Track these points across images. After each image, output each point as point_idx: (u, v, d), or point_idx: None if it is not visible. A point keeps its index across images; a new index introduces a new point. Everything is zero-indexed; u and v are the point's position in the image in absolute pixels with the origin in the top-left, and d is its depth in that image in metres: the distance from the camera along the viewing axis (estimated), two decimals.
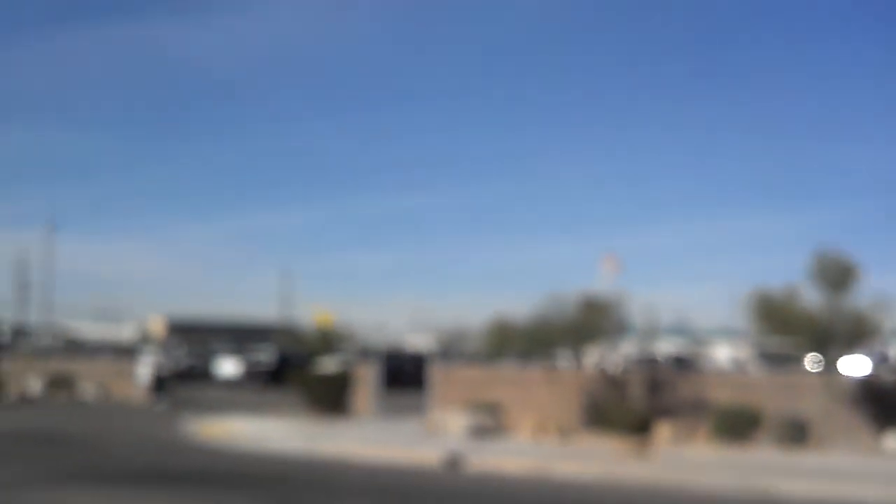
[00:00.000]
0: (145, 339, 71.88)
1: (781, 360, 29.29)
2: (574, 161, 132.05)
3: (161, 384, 32.79)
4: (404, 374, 39.67)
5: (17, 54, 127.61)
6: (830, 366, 20.43)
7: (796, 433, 19.89)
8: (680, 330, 47.41)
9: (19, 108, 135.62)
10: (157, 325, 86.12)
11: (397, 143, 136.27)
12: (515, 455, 17.46)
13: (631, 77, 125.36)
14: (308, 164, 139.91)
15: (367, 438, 19.89)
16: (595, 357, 31.44)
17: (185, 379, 44.79)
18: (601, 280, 24.76)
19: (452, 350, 47.18)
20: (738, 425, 20.31)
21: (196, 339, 68.21)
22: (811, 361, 21.95)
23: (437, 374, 25.71)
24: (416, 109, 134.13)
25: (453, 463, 16.74)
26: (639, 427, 20.80)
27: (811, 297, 19.66)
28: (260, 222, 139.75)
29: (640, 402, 22.63)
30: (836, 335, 19.51)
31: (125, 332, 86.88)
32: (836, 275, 19.03)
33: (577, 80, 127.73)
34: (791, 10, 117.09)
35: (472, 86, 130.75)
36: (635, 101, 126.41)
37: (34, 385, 34.98)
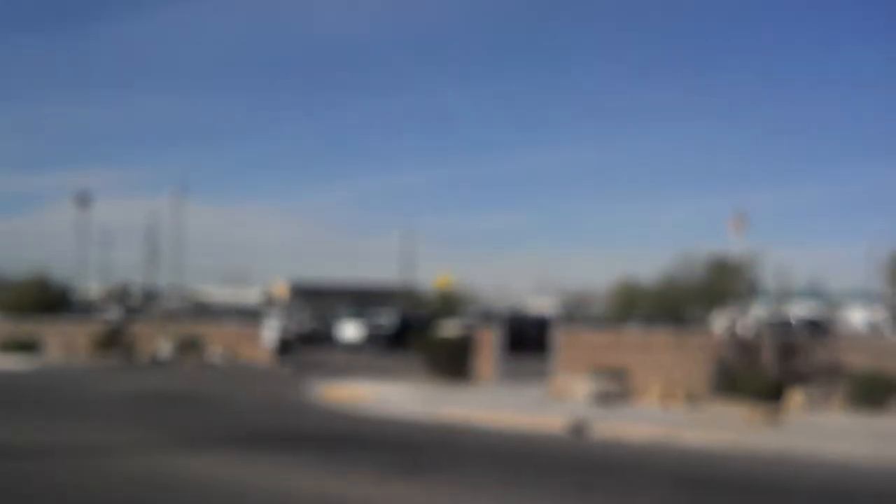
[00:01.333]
0: (270, 303, 74.30)
1: None
2: (703, 116, 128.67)
3: (286, 347, 34.02)
4: (527, 339, 39.96)
5: (147, 20, 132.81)
6: None
7: None
8: (814, 292, 45.84)
9: (149, 75, 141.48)
10: (281, 289, 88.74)
11: (521, 102, 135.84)
12: (641, 421, 17.55)
13: (759, 28, 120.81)
14: (429, 125, 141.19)
15: (489, 403, 20.29)
16: (725, 320, 30.98)
17: (308, 342, 46.26)
18: (730, 241, 24.29)
19: (577, 313, 47.13)
20: (874, 391, 19.81)
21: (318, 302, 70.19)
22: None
23: (560, 339, 25.87)
24: (539, 69, 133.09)
25: (578, 429, 16.97)
26: (770, 393, 20.53)
27: None
28: (381, 184, 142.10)
29: (772, 367, 22.28)
30: None
31: (251, 296, 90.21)
32: None
33: (701, 32, 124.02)
34: None
35: (597, 45, 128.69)
36: (763, 54, 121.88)
37: (164, 348, 36.75)
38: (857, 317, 43.12)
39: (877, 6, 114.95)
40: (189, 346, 36.67)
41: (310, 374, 28.51)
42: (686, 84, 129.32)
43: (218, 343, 37.04)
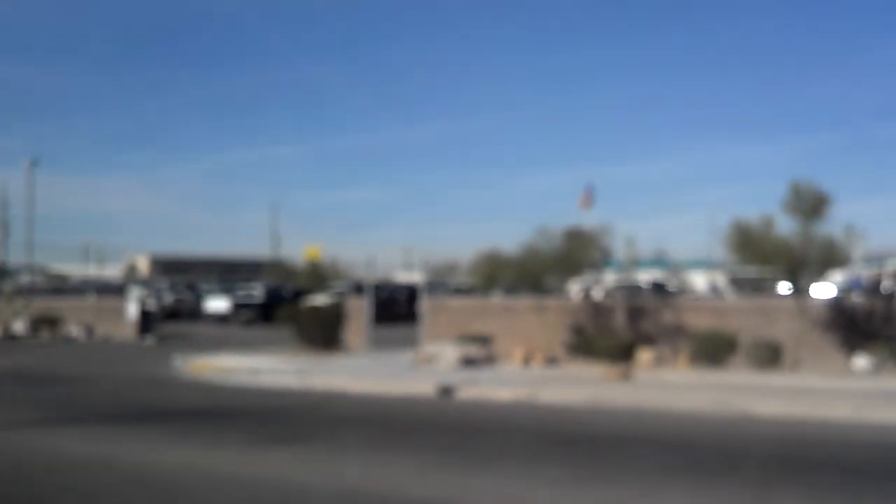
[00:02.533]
0: (132, 277, 72.07)
1: (757, 287, 30.24)
2: (557, 93, 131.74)
3: (149, 321, 33.24)
4: (396, 308, 40.58)
5: None
6: (803, 291, 21.30)
7: (770, 356, 20.85)
8: (660, 260, 48.24)
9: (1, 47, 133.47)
10: (143, 263, 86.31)
11: (385, 78, 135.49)
12: (505, 384, 18.29)
13: (613, 11, 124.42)
14: (296, 99, 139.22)
15: (360, 372, 20.64)
16: (580, 287, 32.33)
17: (173, 316, 45.42)
18: (583, 213, 25.38)
19: (444, 283, 47.91)
20: (715, 350, 21.25)
21: (185, 276, 68.65)
22: (784, 287, 22.81)
23: (428, 307, 26.45)
24: (405, 46, 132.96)
25: (446, 393, 17.55)
26: (622, 353, 21.73)
27: (786, 226, 20.43)
28: (248, 158, 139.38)
29: (623, 329, 23.55)
30: (809, 262, 20.31)
31: (111, 271, 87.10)
32: (810, 204, 19.77)
33: (560, 11, 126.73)
34: None
35: (456, 22, 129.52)
36: (614, 37, 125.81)
37: (18, 324, 35.34)
38: (699, 281, 45.74)
39: None
40: (46, 322, 35.36)
41: (175, 347, 28.06)
42: (542, 61, 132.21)
43: (78, 319, 35.84)
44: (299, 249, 49.76)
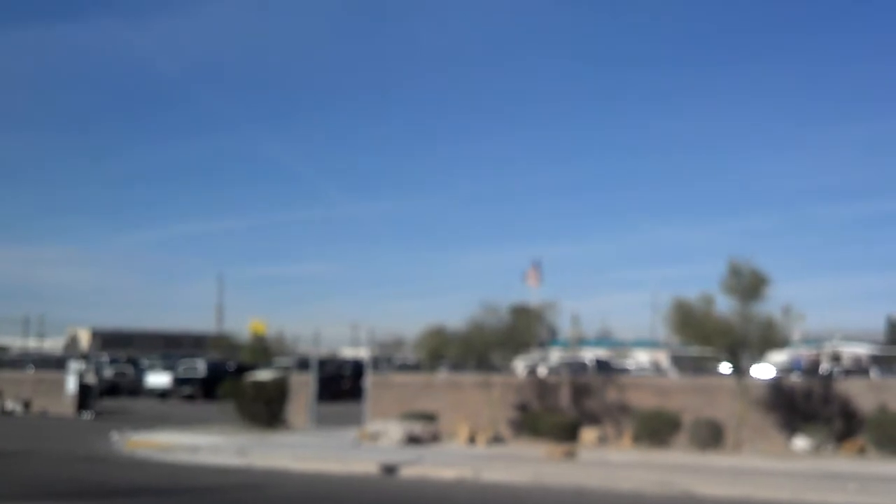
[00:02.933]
0: (72, 351, 70.31)
1: (698, 366, 30.50)
2: (503, 173, 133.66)
3: (87, 396, 32.32)
4: (342, 384, 40.02)
5: None
6: (744, 371, 21.51)
7: (712, 436, 20.91)
8: (604, 339, 48.67)
9: None
10: (84, 336, 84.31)
11: (333, 153, 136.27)
12: (449, 462, 18.02)
13: (558, 86, 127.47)
14: (243, 171, 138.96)
15: (303, 450, 20.19)
16: (527, 364, 32.31)
17: (114, 391, 44.25)
18: (530, 290, 25.51)
19: (390, 359, 47.51)
20: (658, 429, 21.26)
21: (127, 349, 67.16)
22: (725, 367, 23.04)
23: (373, 383, 26.14)
24: (354, 122, 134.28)
25: (389, 472, 17.23)
26: (567, 432, 21.63)
27: (725, 306, 20.71)
28: (194, 230, 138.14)
29: (569, 407, 23.48)
30: (749, 342, 20.56)
31: (52, 344, 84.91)
32: (748, 284, 20.11)
33: (505, 93, 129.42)
34: (698, 41, 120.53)
35: (405, 104, 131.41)
36: (559, 120, 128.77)
37: None
38: (643, 360, 46.12)
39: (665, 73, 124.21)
40: None
41: (115, 423, 27.27)
42: (488, 144, 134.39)
43: (15, 392, 34.73)
44: (244, 323, 49.19)
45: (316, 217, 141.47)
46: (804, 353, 46.39)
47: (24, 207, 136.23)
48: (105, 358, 54.88)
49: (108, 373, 46.47)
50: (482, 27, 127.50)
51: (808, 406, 21.74)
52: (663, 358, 42.03)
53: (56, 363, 46.42)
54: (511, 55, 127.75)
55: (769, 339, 20.57)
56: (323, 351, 34.79)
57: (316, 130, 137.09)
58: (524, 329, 22.37)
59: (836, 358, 57.33)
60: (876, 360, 54.10)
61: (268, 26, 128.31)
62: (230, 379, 30.37)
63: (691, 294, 20.89)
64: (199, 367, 43.72)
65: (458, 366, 24.80)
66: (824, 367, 37.62)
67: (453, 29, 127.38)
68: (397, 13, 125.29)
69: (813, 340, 63.10)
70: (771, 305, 20.31)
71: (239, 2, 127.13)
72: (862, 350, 64.17)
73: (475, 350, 22.53)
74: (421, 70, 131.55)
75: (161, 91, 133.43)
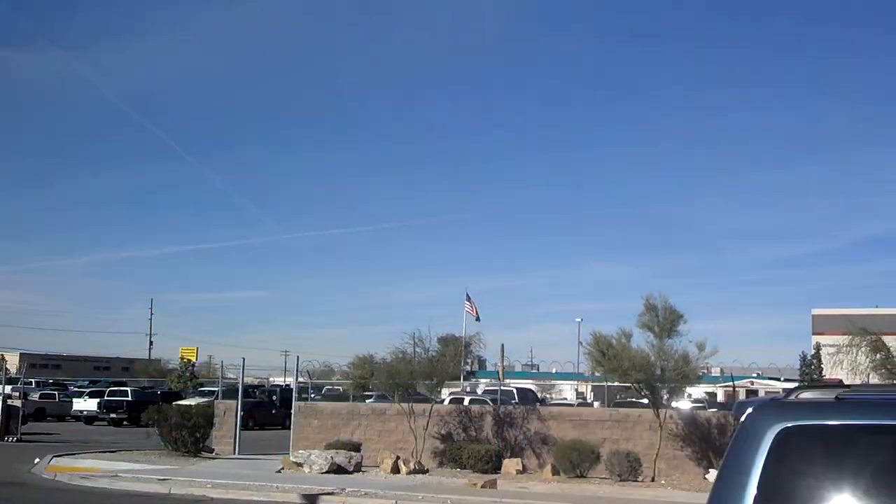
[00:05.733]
0: None
1: (620, 399, 30.71)
2: (439, 208, 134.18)
3: (12, 419, 31.20)
4: (269, 411, 39.32)
5: None
6: (661, 404, 21.66)
7: (631, 467, 20.94)
8: (531, 370, 48.75)
9: None
10: (12, 360, 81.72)
11: (267, 180, 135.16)
12: (371, 493, 17.68)
13: (487, 119, 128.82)
14: (176, 197, 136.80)
15: (225, 477, 19.62)
16: (453, 394, 32.13)
17: (41, 416, 42.84)
18: (461, 322, 25.43)
19: (319, 388, 46.91)
20: (578, 460, 21.22)
21: (54, 373, 65.18)
22: (644, 400, 23.20)
23: (300, 410, 25.68)
24: (285, 148, 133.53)
25: (310, 502, 16.86)
26: (490, 462, 21.47)
27: (643, 341, 20.90)
28: (126, 255, 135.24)
29: (492, 437, 23.35)
30: (666, 376, 20.75)
31: None
32: (664, 320, 20.34)
33: (437, 124, 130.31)
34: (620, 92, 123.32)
35: (340, 127, 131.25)
36: (490, 149, 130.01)
37: None
38: (567, 392, 46.30)
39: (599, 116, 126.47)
40: None
41: (39, 447, 26.30)
42: (421, 172, 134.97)
43: None
44: (175, 350, 48.13)
45: (249, 245, 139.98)
46: (720, 388, 47.13)
47: None
48: (32, 381, 53.17)
49: (35, 396, 45.00)
50: (403, 62, 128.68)
51: (724, 439, 21.94)
52: (587, 390, 42.27)
53: None
54: (447, 83, 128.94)
55: (685, 373, 20.78)
56: (252, 379, 34.15)
57: (249, 159, 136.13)
58: (451, 360, 22.26)
59: (752, 393, 58.43)
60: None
61: (207, 57, 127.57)
62: (158, 405, 29.57)
63: (612, 329, 21.05)
64: (127, 392, 42.65)
65: (385, 395, 24.53)
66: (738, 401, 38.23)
67: (382, 63, 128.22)
68: (326, 48, 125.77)
69: (730, 376, 64.22)
70: (686, 341, 20.57)
71: (180, 34, 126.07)
72: (778, 385, 65.54)
73: (402, 380, 22.33)
74: (354, 100, 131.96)
75: (98, 117, 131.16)
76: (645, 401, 23.67)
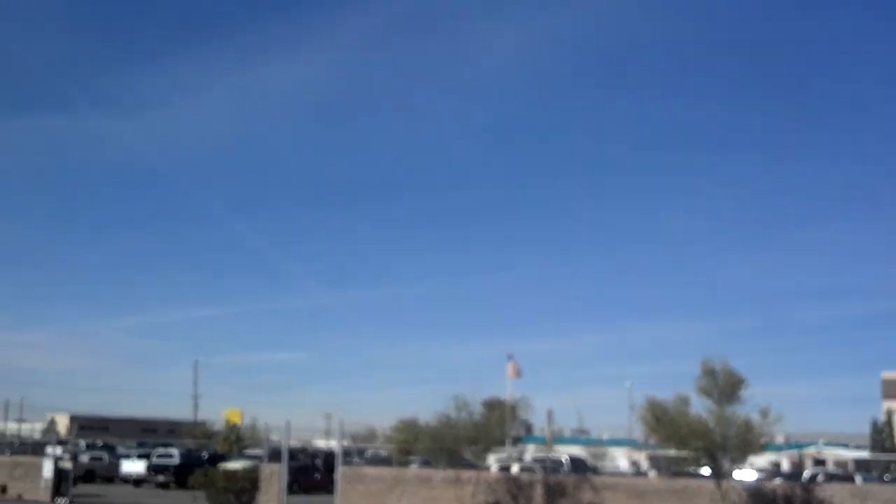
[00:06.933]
0: (50, 436, 68.87)
1: (676, 468, 29.74)
2: (482, 267, 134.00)
3: (63, 482, 31.41)
4: (314, 475, 38.88)
5: None
6: (723, 474, 20.79)
7: None
8: (580, 436, 47.63)
9: None
10: (62, 421, 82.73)
11: (308, 243, 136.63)
12: None
13: (532, 184, 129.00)
14: (220, 260, 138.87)
15: None
16: (500, 460, 31.44)
17: (90, 477, 43.05)
18: (505, 384, 24.94)
19: (363, 451, 46.46)
20: None
21: (103, 435, 65.78)
22: (705, 469, 22.36)
23: (344, 475, 25.31)
24: (327, 209, 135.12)
25: None
26: None
27: (701, 406, 20.15)
28: (171, 317, 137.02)
29: None
30: (728, 444, 19.93)
31: (30, 428, 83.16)
32: (724, 385, 19.60)
33: (490, 192, 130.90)
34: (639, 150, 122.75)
35: (382, 190, 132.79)
36: (538, 212, 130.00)
37: None
38: (620, 459, 44.98)
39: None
40: None
41: None
42: (458, 234, 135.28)
43: None
44: (219, 411, 48.29)
45: (291, 306, 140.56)
46: (785, 456, 45.52)
47: (5, 293, 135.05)
48: (82, 444, 53.67)
49: (85, 458, 45.35)
50: (440, 121, 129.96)
51: None
52: (641, 458, 41.08)
53: (34, 448, 45.31)
54: (484, 141, 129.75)
55: (748, 441, 19.95)
56: (295, 441, 33.94)
57: (293, 221, 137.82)
58: (497, 425, 21.78)
59: (819, 462, 56.34)
60: (861, 464, 53.09)
61: (249, 121, 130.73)
62: (203, 467, 29.56)
63: (666, 393, 20.38)
64: (174, 454, 42.65)
65: (429, 460, 24.07)
66: (806, 472, 36.76)
67: (423, 127, 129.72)
68: (371, 111, 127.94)
69: (795, 444, 62.07)
70: (748, 407, 19.76)
71: (223, 97, 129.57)
72: (847, 454, 63.11)
73: (446, 445, 21.88)
74: (396, 166, 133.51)
75: (144, 181, 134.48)
76: (705, 470, 22.84)
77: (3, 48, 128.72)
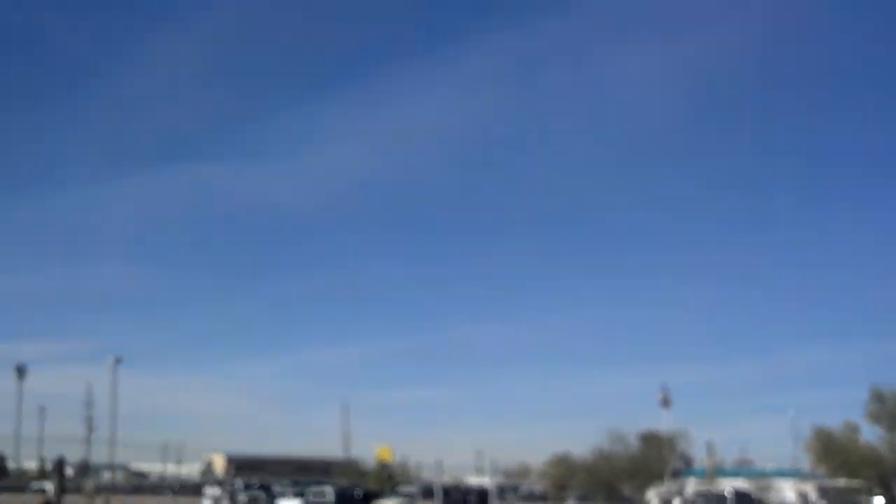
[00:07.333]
0: (208, 476, 71.67)
1: (848, 499, 28.27)
2: (628, 301, 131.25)
3: None
4: None
5: (90, 194, 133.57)
6: None
7: None
8: (743, 468, 45.74)
9: (86, 245, 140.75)
10: (219, 462, 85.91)
11: (452, 279, 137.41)
12: None
13: (674, 221, 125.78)
14: (365, 300, 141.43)
15: None
16: (659, 495, 30.67)
17: None
18: (659, 417, 24.38)
19: (516, 487, 46.11)
20: None
21: (258, 475, 67.91)
22: (878, 500, 21.27)
23: None
24: (473, 246, 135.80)
25: None
26: None
27: (871, 433, 19.21)
28: (320, 357, 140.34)
29: None
30: None
31: (188, 469, 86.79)
32: (894, 410, 18.63)
33: (627, 223, 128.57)
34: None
35: (524, 227, 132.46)
36: (693, 238, 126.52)
37: None
38: (786, 490, 42.93)
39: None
40: None
41: None
42: (612, 261, 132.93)
43: None
44: (369, 449, 49.05)
45: (437, 342, 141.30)
46: None
47: (160, 339, 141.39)
48: (239, 483, 55.48)
49: (242, 498, 46.86)
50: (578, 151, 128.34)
51: None
52: (810, 489, 39.13)
53: (193, 489, 47.17)
54: (631, 172, 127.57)
55: None
56: (447, 478, 34.12)
57: (435, 259, 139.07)
58: (655, 459, 21.35)
59: None
60: None
61: (385, 162, 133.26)
62: None
63: (833, 421, 19.52)
64: (328, 493, 43.48)
65: (585, 496, 23.80)
66: None
67: (565, 158, 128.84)
68: (507, 144, 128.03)
69: None
70: None
71: (356, 141, 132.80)
72: None
73: (603, 480, 21.60)
74: (535, 201, 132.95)
75: (285, 226, 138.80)
76: (878, 500, 21.70)
77: (149, 102, 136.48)
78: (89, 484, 52.35)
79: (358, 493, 41.66)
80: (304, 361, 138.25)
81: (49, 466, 70.44)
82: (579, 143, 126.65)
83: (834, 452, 18.61)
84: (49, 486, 41.44)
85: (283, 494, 47.32)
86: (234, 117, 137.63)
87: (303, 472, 72.51)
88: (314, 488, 46.31)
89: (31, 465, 74.14)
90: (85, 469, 68.92)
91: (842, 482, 22.73)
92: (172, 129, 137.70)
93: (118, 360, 58.69)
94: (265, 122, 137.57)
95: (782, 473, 47.08)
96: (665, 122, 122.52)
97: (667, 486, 28.83)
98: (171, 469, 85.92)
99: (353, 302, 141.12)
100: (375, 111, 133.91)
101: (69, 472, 69.85)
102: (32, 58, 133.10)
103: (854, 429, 18.52)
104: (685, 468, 25.31)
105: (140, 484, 69.02)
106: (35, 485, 54.75)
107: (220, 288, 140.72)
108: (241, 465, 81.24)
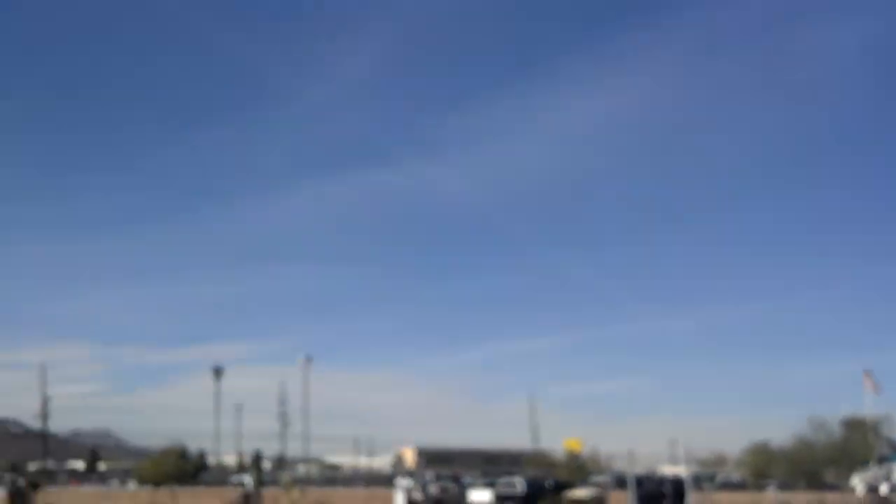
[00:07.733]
0: (399, 469, 74.21)
1: None
2: (827, 283, 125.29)
3: None
4: (662, 502, 38.56)
5: (280, 201, 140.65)
6: None
7: None
8: None
9: (281, 248, 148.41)
10: (409, 455, 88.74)
11: (644, 269, 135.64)
12: None
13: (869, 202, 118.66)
14: (550, 294, 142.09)
15: None
16: (865, 482, 29.51)
17: None
18: (863, 402, 23.53)
19: (711, 477, 45.27)
20: None
21: (447, 467, 69.73)
22: None
23: (697, 501, 25.15)
24: (663, 236, 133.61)
25: None
26: None
27: None
28: (508, 350, 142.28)
29: None
30: None
31: (380, 462, 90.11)
32: None
33: (824, 207, 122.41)
34: None
35: (720, 213, 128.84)
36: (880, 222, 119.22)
37: None
38: None
39: None
40: None
41: None
42: (813, 251, 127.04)
43: None
44: (558, 440, 49.54)
45: (625, 333, 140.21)
46: None
47: (350, 337, 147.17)
48: (430, 475, 57.19)
49: (433, 489, 48.35)
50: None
51: None
52: None
53: (384, 480, 49.07)
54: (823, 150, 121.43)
55: None
56: (639, 468, 34.13)
57: (617, 251, 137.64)
58: (859, 445, 20.73)
59: None
60: None
61: (564, 154, 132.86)
62: (548, 495, 30.53)
63: None
64: (519, 484, 44.25)
65: (786, 484, 23.35)
66: None
67: (753, 138, 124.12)
68: (690, 130, 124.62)
69: None
70: None
71: (531, 135, 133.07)
72: None
73: (805, 468, 21.17)
74: (718, 192, 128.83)
75: (467, 221, 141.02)
76: None
77: (322, 113, 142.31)
78: (286, 476, 55.45)
79: (549, 483, 42.23)
80: (491, 354, 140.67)
81: (247, 461, 75.15)
82: (767, 125, 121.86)
83: None
84: (248, 479, 44.28)
85: (473, 485, 48.48)
86: (406, 122, 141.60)
87: (491, 463, 73.88)
88: (504, 479, 47.25)
89: (229, 459, 79.06)
90: (281, 462, 72.91)
91: None
92: (353, 135, 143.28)
93: (309, 359, 61.84)
94: (438, 122, 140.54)
95: None
96: (854, 102, 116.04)
97: (873, 472, 27.74)
98: (363, 462, 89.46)
99: (540, 296, 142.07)
100: (555, 104, 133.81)
101: (266, 465, 74.21)
102: (222, 78, 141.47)
103: None
104: (892, 453, 24.23)
105: (333, 476, 72.27)
106: (235, 478, 58.50)
107: (405, 287, 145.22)
108: (431, 458, 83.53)
